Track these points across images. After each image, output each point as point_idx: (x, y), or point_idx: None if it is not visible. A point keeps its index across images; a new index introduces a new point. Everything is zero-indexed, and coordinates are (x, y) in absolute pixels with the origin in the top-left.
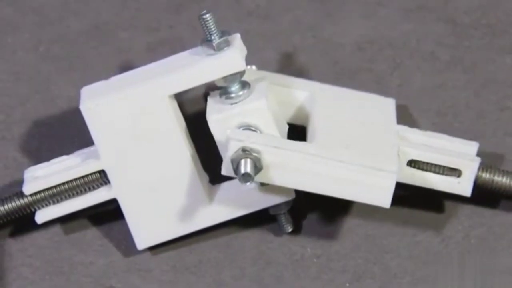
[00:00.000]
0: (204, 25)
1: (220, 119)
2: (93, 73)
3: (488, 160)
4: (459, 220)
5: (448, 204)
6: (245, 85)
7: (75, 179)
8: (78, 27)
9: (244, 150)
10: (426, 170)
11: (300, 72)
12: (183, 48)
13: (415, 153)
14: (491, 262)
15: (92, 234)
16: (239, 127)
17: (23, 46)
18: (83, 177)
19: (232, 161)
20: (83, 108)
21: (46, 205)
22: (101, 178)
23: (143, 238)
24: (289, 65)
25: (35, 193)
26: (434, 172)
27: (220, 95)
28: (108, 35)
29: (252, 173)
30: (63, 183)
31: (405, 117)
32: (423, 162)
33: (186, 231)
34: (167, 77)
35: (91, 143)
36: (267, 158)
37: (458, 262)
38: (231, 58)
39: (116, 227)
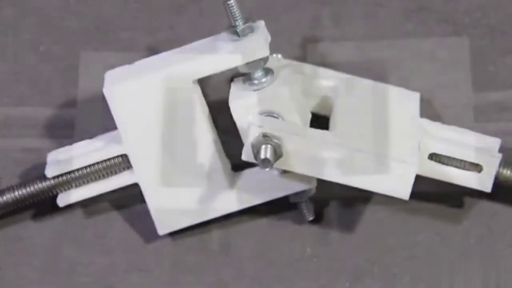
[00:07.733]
0: (228, 11)
1: (242, 105)
2: (94, 73)
3: None
4: (459, 220)
5: (448, 204)
6: (268, 72)
7: (97, 163)
8: (79, 28)
9: (264, 136)
10: (447, 164)
11: None
12: None
13: (437, 147)
14: (491, 262)
15: (92, 233)
16: (262, 114)
17: (24, 47)
18: (105, 161)
19: (253, 146)
20: (106, 91)
21: (68, 188)
22: (123, 162)
23: (164, 223)
24: None
25: (58, 176)
26: (455, 166)
27: (244, 81)
28: (108, 36)
29: (271, 159)
30: (86, 167)
31: None
32: (444, 156)
33: (207, 217)
34: (191, 62)
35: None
36: (287, 145)
37: (458, 262)
38: (255, 43)
39: (117, 227)
